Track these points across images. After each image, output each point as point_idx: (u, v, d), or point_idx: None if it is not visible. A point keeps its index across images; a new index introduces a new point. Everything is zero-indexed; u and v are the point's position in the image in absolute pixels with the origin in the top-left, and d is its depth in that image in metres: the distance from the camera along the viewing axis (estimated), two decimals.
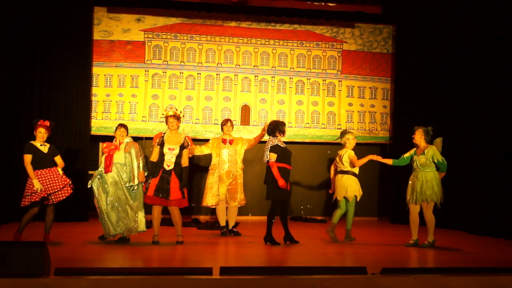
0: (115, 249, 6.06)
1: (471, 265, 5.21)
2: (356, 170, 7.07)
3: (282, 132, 6.68)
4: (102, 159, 6.60)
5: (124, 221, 6.36)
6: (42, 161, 6.25)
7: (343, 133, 7.26)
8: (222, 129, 7.49)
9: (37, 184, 6.08)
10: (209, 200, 7.29)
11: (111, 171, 6.40)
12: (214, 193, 7.25)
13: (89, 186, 6.53)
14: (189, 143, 6.55)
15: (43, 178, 6.19)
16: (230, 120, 7.58)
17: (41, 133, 6.30)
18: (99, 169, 6.50)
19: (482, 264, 5.33)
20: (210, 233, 7.74)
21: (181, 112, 6.72)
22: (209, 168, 7.40)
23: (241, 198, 7.39)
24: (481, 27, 8.28)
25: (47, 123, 6.39)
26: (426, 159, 6.56)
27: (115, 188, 6.38)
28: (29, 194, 6.08)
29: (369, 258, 5.74)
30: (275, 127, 6.65)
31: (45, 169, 6.24)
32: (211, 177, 7.33)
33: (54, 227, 6.64)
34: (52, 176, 6.26)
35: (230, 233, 7.39)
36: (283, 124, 6.76)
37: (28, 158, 6.18)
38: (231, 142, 7.39)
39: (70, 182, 6.36)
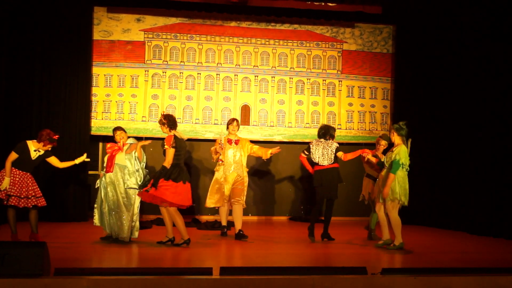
0: (115, 249, 6.06)
1: (471, 265, 5.20)
2: (371, 171, 7.23)
3: (332, 137, 6.98)
4: (105, 159, 6.60)
5: (115, 227, 6.38)
6: (25, 165, 6.21)
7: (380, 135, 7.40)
8: (227, 128, 7.28)
9: (5, 184, 6.03)
10: (212, 201, 7.13)
11: (112, 172, 6.41)
12: (219, 194, 7.07)
13: (96, 186, 6.56)
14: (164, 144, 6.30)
15: (16, 178, 6.14)
16: (236, 119, 7.37)
17: (49, 148, 6.30)
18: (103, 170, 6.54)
19: (482, 264, 5.32)
20: (210, 233, 7.73)
21: (163, 112, 6.58)
22: (215, 169, 7.21)
23: (244, 200, 7.19)
24: (481, 27, 8.27)
25: (57, 137, 6.38)
26: (390, 157, 6.34)
27: (111, 189, 6.41)
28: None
29: (369, 258, 5.73)
30: (327, 131, 6.98)
31: (23, 172, 6.20)
32: (216, 178, 7.15)
33: (54, 228, 6.66)
34: (25, 181, 6.20)
35: (238, 237, 6.95)
36: (334, 129, 7.07)
37: (13, 156, 6.13)
38: (236, 143, 7.18)
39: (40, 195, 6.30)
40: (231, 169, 7.06)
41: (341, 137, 9.84)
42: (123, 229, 6.34)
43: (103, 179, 6.47)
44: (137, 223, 6.50)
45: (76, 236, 6.98)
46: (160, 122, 6.34)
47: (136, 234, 6.50)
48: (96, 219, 6.50)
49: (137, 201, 6.44)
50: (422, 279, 4.29)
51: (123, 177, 6.40)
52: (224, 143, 7.02)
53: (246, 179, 7.16)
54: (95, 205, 6.53)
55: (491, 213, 7.82)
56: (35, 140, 6.29)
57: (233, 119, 7.32)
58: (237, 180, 7.06)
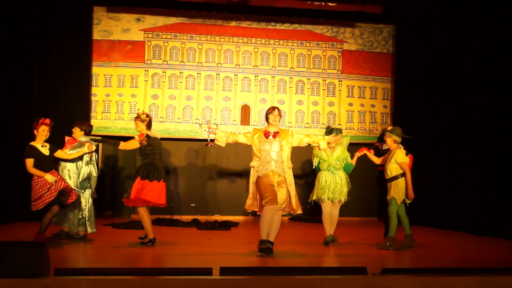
0: (115, 249, 6.06)
1: (471, 265, 5.20)
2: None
3: (383, 141, 6.90)
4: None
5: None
6: (44, 165, 6.13)
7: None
8: (267, 119, 5.91)
9: (50, 178, 5.97)
10: (250, 203, 5.88)
11: None
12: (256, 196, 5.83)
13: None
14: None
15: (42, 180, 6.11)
16: (276, 107, 5.94)
17: (45, 131, 6.18)
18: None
19: (482, 264, 5.32)
20: (210, 233, 7.72)
21: (143, 112, 6.44)
22: (250, 165, 5.88)
23: (293, 203, 5.79)
24: (481, 27, 8.27)
25: (48, 121, 6.32)
26: None
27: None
28: (40, 196, 5.95)
29: (369, 258, 5.73)
30: (382, 136, 7.02)
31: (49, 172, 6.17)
32: (253, 178, 5.83)
33: (55, 227, 6.64)
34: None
35: (267, 250, 5.64)
36: (384, 132, 6.91)
37: (30, 162, 6.05)
38: (275, 136, 5.81)
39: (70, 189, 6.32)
40: (270, 167, 5.75)
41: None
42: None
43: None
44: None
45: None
46: (139, 119, 6.34)
47: (89, 230, 6.60)
48: None
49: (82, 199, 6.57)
50: (422, 279, 4.28)
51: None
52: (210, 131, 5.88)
53: (290, 177, 5.83)
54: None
55: (491, 213, 7.82)
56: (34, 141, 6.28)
57: (274, 108, 5.91)
58: (278, 182, 5.75)
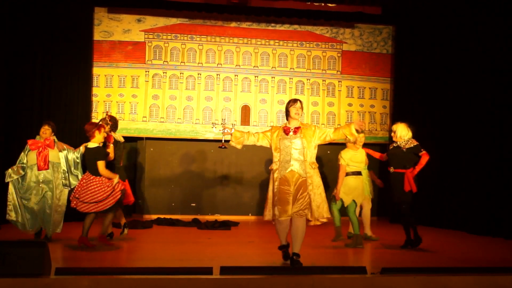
0: (116, 248, 6.07)
1: (471, 265, 5.22)
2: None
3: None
4: (25, 155, 6.42)
5: (48, 224, 6.38)
6: (111, 167, 6.09)
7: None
8: (287, 113, 5.14)
9: (117, 179, 5.90)
10: (271, 212, 5.10)
11: (47, 169, 6.33)
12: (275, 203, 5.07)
13: (8, 180, 6.39)
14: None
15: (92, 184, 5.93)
16: (299, 100, 5.18)
17: (103, 134, 6.03)
18: (20, 165, 6.39)
19: (482, 264, 5.34)
20: (211, 232, 7.74)
21: (109, 112, 6.58)
22: (270, 168, 5.21)
23: (322, 210, 5.01)
24: (481, 27, 8.29)
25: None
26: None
27: (46, 186, 6.35)
28: (104, 198, 5.80)
29: (369, 258, 5.75)
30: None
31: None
32: (272, 181, 5.13)
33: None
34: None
35: (292, 262, 4.99)
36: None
37: (103, 164, 5.88)
38: (295, 131, 5.06)
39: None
40: (290, 168, 5.03)
41: None
42: (50, 226, 6.36)
43: (26, 174, 6.36)
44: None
45: (77, 236, 6.98)
46: (104, 122, 6.39)
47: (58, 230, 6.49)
48: (22, 220, 6.41)
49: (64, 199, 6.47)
50: (421, 278, 4.30)
51: (57, 174, 6.39)
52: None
53: (316, 179, 5.10)
54: (13, 203, 6.37)
55: (490, 212, 7.83)
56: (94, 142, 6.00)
57: (295, 100, 5.15)
58: (300, 184, 5.02)
